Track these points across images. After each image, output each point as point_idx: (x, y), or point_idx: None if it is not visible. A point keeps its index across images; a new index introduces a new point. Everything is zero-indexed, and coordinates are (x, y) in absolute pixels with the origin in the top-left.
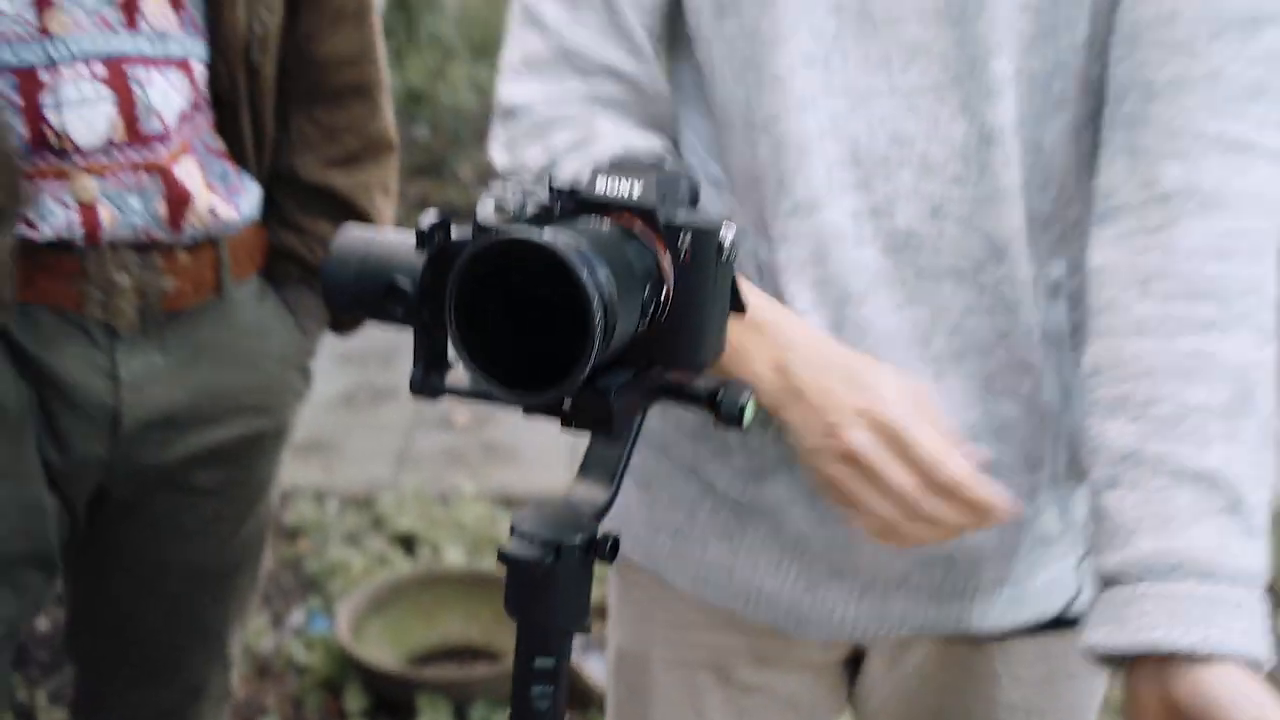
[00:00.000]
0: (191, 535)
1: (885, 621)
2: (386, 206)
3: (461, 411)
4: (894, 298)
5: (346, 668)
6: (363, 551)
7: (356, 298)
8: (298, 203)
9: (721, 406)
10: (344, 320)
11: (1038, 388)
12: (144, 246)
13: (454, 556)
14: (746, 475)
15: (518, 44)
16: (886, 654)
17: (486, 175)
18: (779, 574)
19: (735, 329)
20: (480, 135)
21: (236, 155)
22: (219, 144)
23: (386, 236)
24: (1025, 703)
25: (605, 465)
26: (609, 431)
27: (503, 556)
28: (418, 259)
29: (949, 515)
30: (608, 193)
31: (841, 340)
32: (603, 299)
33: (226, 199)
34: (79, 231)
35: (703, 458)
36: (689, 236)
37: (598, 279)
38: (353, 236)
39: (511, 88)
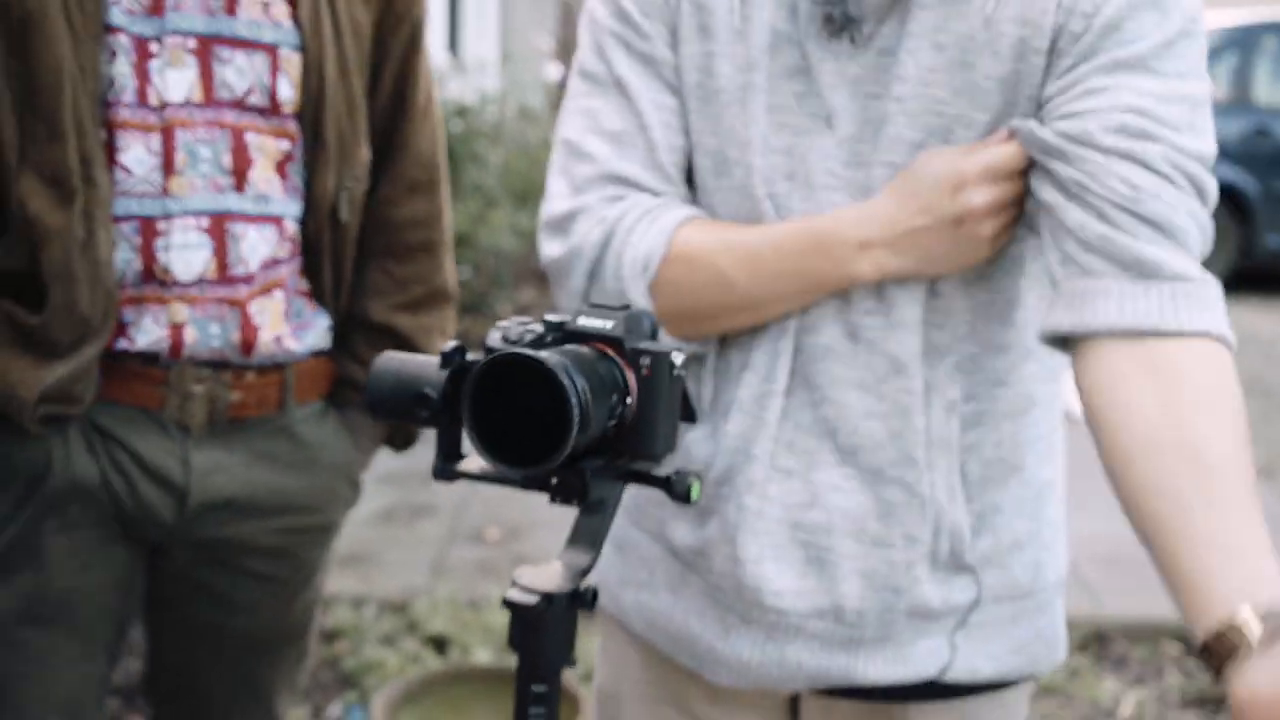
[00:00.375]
0: (243, 610)
1: (785, 667)
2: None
3: (493, 528)
4: (811, 398)
5: None
6: (397, 651)
7: (393, 405)
8: (366, 341)
9: (674, 487)
10: (398, 439)
11: (919, 480)
12: (218, 365)
13: (483, 657)
14: (693, 522)
15: (564, 175)
16: (819, 712)
17: (525, 313)
18: (703, 620)
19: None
20: (519, 277)
21: (317, 295)
22: (303, 285)
23: (416, 358)
24: None
25: (589, 535)
26: (585, 501)
27: (506, 602)
28: (440, 375)
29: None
30: (588, 325)
31: (765, 425)
32: (579, 402)
33: (294, 334)
34: (166, 346)
35: (664, 520)
36: (649, 359)
37: (576, 387)
38: (390, 357)
39: (562, 203)
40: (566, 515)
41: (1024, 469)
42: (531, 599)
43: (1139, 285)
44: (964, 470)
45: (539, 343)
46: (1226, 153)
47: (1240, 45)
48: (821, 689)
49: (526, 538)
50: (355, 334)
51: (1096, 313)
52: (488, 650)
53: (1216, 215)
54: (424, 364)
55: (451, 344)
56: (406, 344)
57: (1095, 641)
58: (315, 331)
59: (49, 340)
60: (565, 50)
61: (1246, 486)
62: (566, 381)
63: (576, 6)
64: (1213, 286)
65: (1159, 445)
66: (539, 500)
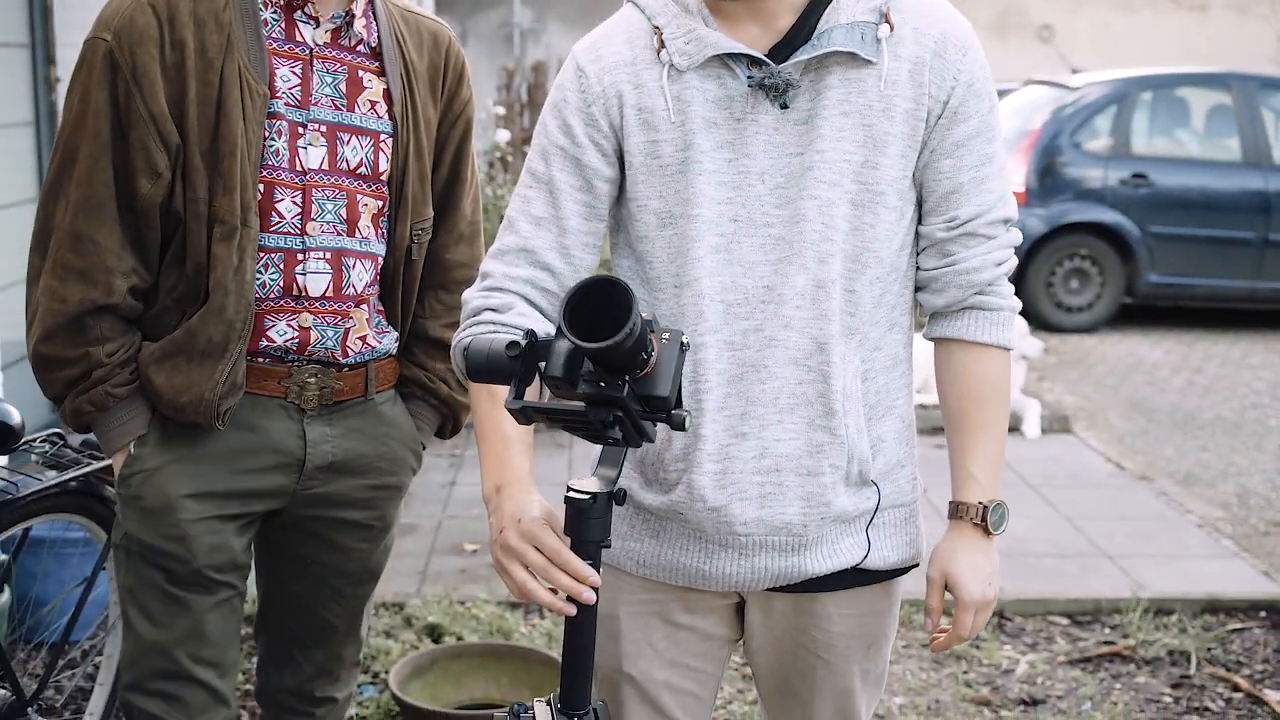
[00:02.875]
0: (341, 550)
1: (755, 573)
2: None
3: (469, 542)
4: (760, 375)
5: (394, 715)
6: (398, 641)
7: (486, 366)
8: (423, 350)
9: (672, 419)
10: (446, 428)
11: (840, 425)
12: (325, 364)
13: (472, 639)
14: (659, 491)
15: (499, 237)
16: (760, 606)
17: None
18: (688, 553)
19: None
20: None
21: (389, 315)
22: (380, 305)
23: (496, 337)
24: (848, 630)
25: (613, 458)
26: (622, 419)
27: (567, 498)
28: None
29: (563, 580)
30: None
31: (705, 413)
32: (636, 306)
33: (375, 338)
34: (295, 343)
35: (634, 489)
36: (666, 334)
37: (637, 306)
38: (479, 338)
39: (488, 261)
40: None
41: (896, 409)
42: (584, 496)
43: (975, 313)
44: (864, 412)
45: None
46: (1108, 198)
47: (1118, 100)
48: (775, 587)
49: None
50: (415, 345)
51: (953, 326)
52: (476, 636)
53: (1104, 256)
54: (502, 340)
55: (528, 327)
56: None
57: (996, 617)
58: (388, 339)
59: (206, 340)
60: (508, 116)
61: (989, 431)
62: (634, 299)
63: (515, 76)
64: (1013, 312)
65: (951, 401)
66: None
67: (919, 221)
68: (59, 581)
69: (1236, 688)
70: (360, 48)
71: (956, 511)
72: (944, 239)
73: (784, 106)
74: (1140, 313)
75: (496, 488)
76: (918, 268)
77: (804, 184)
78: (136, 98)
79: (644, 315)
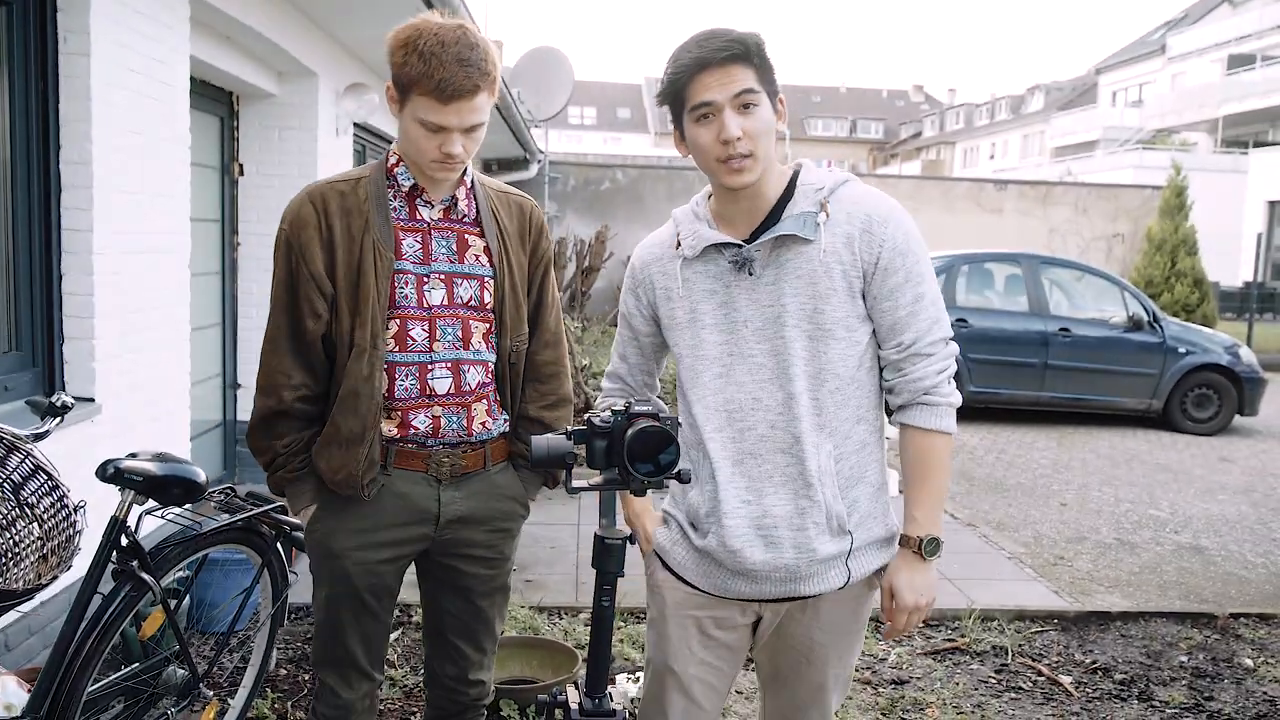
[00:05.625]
0: (473, 576)
1: (760, 593)
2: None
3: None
4: (757, 461)
5: None
6: None
7: (547, 460)
8: (525, 427)
9: (681, 475)
10: (548, 483)
11: (816, 491)
12: (454, 444)
13: (511, 634)
14: (699, 535)
15: (610, 364)
16: (770, 617)
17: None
18: (718, 575)
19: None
20: None
21: (502, 404)
22: (495, 397)
23: (554, 436)
24: (830, 628)
25: (609, 510)
26: (642, 493)
27: (597, 537)
28: (568, 443)
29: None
30: (638, 409)
31: (721, 486)
32: (679, 448)
33: (491, 422)
34: (429, 429)
35: (684, 526)
36: (669, 421)
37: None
38: (539, 437)
39: (605, 380)
40: (555, 553)
41: (865, 478)
42: (618, 542)
43: (920, 407)
44: (838, 483)
45: (623, 414)
46: None
47: (947, 270)
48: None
49: (530, 570)
50: (520, 424)
51: (906, 416)
52: (515, 631)
53: None
54: (559, 438)
55: (571, 428)
56: (547, 428)
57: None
58: (500, 422)
59: (348, 430)
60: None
61: (928, 487)
62: (676, 434)
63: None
64: (951, 407)
65: (905, 467)
66: (537, 544)
67: (880, 349)
68: (224, 590)
69: (1040, 673)
70: (464, 219)
71: (904, 542)
72: (896, 359)
73: (751, 274)
74: (963, 411)
75: (634, 512)
76: (883, 378)
77: (775, 328)
78: (302, 264)
79: (650, 410)
